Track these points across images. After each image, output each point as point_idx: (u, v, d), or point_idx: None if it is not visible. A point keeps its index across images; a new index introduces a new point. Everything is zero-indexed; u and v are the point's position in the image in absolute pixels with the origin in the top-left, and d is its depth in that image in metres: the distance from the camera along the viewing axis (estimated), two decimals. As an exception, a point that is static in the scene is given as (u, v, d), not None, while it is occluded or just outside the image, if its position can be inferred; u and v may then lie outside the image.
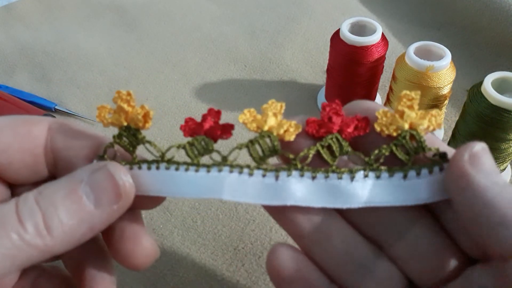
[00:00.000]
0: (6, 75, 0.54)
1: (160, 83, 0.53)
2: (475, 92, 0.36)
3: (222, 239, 0.37)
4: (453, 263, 0.22)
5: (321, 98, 0.49)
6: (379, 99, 0.49)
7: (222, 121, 0.23)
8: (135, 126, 0.23)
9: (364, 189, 0.21)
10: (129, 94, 0.23)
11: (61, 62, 0.56)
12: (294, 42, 0.57)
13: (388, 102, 0.43)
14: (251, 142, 0.22)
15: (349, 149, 0.22)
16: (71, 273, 0.25)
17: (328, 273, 0.23)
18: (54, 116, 0.47)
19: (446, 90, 0.40)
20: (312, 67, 0.54)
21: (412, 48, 0.40)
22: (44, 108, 0.49)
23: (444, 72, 0.38)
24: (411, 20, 0.60)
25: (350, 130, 0.22)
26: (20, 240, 0.19)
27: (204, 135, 0.23)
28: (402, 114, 0.21)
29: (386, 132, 0.22)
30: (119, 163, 0.22)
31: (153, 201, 0.24)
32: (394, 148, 0.21)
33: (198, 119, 0.24)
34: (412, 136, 0.21)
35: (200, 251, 0.37)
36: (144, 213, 0.39)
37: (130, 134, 0.23)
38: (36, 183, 0.24)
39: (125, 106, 0.23)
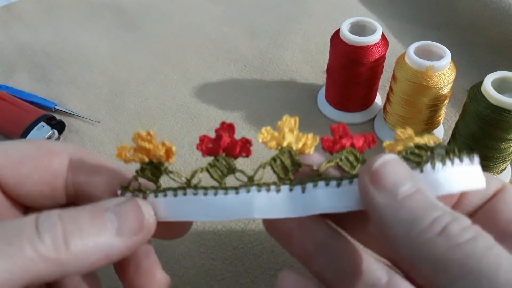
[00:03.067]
0: (6, 75, 0.54)
1: (160, 83, 0.53)
2: (475, 92, 0.36)
3: (222, 239, 0.37)
4: None
5: (321, 98, 0.49)
6: (379, 99, 0.49)
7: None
8: (157, 161, 0.23)
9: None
10: (149, 134, 0.23)
11: (61, 62, 0.56)
12: (294, 42, 0.57)
13: (388, 102, 0.43)
14: (273, 159, 0.23)
15: (364, 159, 0.23)
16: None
17: None
18: (54, 116, 0.47)
19: (446, 90, 0.40)
20: (312, 67, 0.54)
21: (412, 48, 0.40)
22: (44, 108, 0.49)
23: (444, 72, 0.38)
24: (411, 20, 0.60)
25: (360, 144, 0.24)
26: (34, 252, 0.18)
27: (223, 152, 0.23)
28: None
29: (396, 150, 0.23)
30: (144, 192, 0.23)
31: (177, 230, 0.25)
32: (406, 153, 0.23)
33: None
34: (420, 147, 0.23)
35: (200, 251, 0.37)
36: (144, 213, 0.39)
37: (153, 167, 0.23)
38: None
39: (146, 144, 0.23)
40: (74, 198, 0.24)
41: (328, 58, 0.45)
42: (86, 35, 0.60)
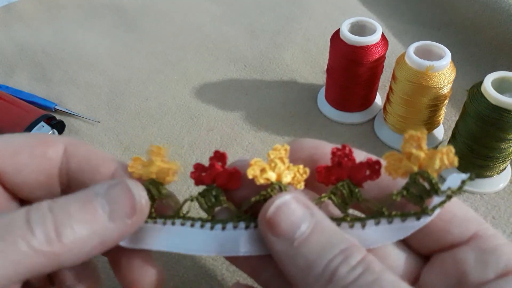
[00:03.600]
0: (6, 75, 0.54)
1: (160, 83, 0.53)
2: (475, 92, 0.36)
3: (222, 239, 0.37)
4: (413, 264, 0.23)
5: (321, 98, 0.49)
6: (379, 99, 0.49)
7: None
8: (160, 180, 0.23)
9: (375, 234, 0.21)
10: (165, 149, 0.23)
11: (61, 62, 0.56)
12: (294, 42, 0.57)
13: (388, 102, 0.43)
14: (263, 196, 0.22)
15: (360, 195, 0.22)
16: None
17: None
18: (54, 116, 0.47)
19: (446, 90, 0.40)
20: (312, 67, 0.54)
21: (412, 48, 0.40)
22: (44, 108, 0.49)
23: (444, 72, 0.38)
24: (411, 20, 0.60)
25: (360, 176, 0.22)
26: (27, 246, 0.18)
27: (214, 183, 0.23)
28: (409, 156, 0.21)
29: (395, 176, 0.21)
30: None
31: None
32: (405, 193, 0.21)
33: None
34: (423, 177, 0.21)
35: (200, 251, 0.37)
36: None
37: (154, 188, 0.23)
38: None
39: (158, 160, 0.23)
40: (67, 188, 0.24)
41: (328, 58, 0.45)
42: (86, 35, 0.60)
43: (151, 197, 0.23)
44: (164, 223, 0.23)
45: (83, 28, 0.61)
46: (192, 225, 0.23)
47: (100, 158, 0.24)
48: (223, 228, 0.22)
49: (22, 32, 0.61)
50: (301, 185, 0.22)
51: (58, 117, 0.47)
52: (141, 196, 0.21)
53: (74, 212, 0.20)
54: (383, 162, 0.22)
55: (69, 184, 0.24)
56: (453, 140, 0.40)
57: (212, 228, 0.22)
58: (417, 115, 0.41)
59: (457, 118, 0.39)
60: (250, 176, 0.22)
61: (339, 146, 0.22)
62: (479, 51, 0.54)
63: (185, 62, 0.55)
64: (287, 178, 0.22)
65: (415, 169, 0.21)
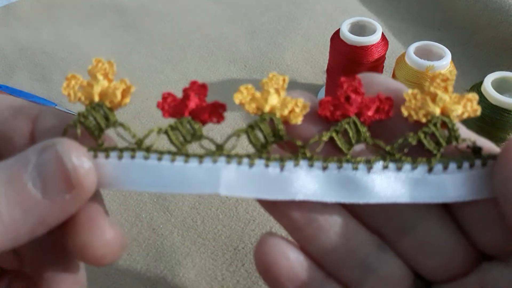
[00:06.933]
0: (6, 75, 0.54)
1: (160, 83, 0.53)
2: (475, 92, 0.36)
3: (222, 239, 0.37)
4: (465, 258, 0.19)
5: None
6: (379, 99, 0.49)
7: (225, 118, 0.19)
8: (108, 104, 0.19)
9: (382, 182, 0.18)
10: (110, 64, 0.19)
11: (61, 62, 0.56)
12: (294, 42, 0.57)
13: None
14: (251, 127, 0.19)
15: (368, 135, 0.19)
16: (33, 277, 0.22)
17: (324, 267, 0.20)
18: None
19: (446, 90, 0.40)
20: (312, 67, 0.54)
21: (412, 48, 0.40)
22: (44, 108, 0.49)
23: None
24: (411, 20, 0.60)
25: (370, 113, 0.19)
26: None
27: (190, 116, 0.19)
28: (434, 97, 0.18)
29: (415, 117, 0.18)
30: (75, 142, 0.18)
31: (105, 254, 0.19)
32: (422, 136, 0.18)
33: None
34: (443, 124, 0.18)
35: (200, 251, 0.37)
36: (144, 213, 0.39)
37: (100, 114, 0.19)
38: None
39: (101, 78, 0.19)
40: None
41: (328, 58, 0.45)
42: (86, 35, 0.60)
43: (98, 126, 0.19)
44: (120, 157, 0.18)
45: (83, 28, 0.61)
46: (159, 159, 0.19)
47: (21, 105, 0.20)
48: (200, 163, 0.19)
49: (22, 32, 0.61)
50: (298, 120, 0.19)
51: (58, 117, 0.47)
52: (76, 166, 0.17)
53: (3, 192, 0.16)
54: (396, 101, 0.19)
55: None
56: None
57: (186, 161, 0.19)
58: (417, 115, 0.41)
59: (457, 118, 0.39)
60: (237, 102, 0.19)
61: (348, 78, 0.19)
62: (479, 51, 0.54)
63: (185, 62, 0.55)
64: (282, 111, 0.19)
65: (438, 112, 0.18)
